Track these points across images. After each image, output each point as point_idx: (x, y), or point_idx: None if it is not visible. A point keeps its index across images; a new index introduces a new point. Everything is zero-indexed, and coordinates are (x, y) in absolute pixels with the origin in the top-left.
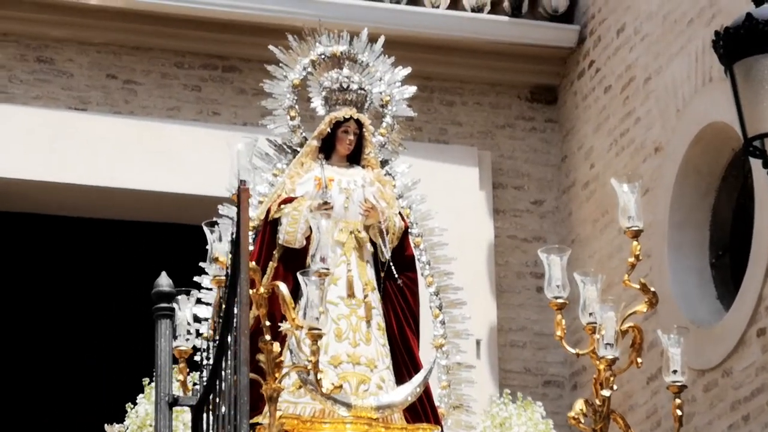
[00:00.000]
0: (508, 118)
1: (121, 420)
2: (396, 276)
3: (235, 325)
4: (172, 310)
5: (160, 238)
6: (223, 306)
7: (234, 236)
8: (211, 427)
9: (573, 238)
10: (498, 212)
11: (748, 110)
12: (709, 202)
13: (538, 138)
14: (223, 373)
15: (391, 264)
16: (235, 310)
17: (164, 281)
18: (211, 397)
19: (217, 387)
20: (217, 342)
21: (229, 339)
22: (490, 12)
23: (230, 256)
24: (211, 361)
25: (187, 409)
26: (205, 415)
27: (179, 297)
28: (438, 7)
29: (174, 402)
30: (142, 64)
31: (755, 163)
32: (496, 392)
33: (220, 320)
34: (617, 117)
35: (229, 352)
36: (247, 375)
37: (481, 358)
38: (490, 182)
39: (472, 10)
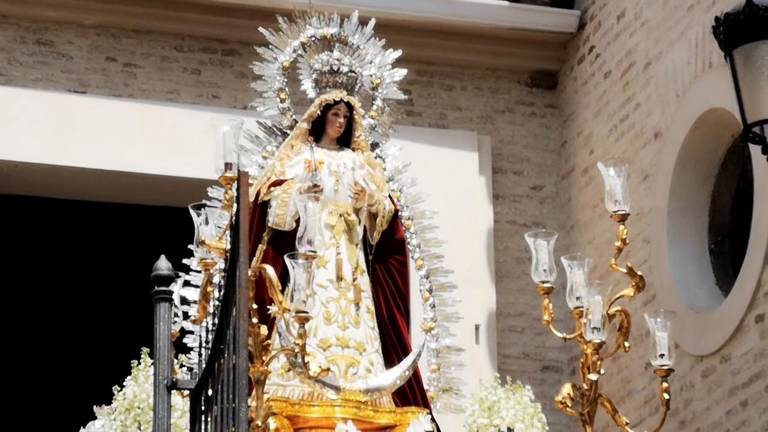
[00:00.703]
0: (508, 103)
1: (110, 402)
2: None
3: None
4: (171, 293)
5: (157, 221)
6: (219, 288)
7: (233, 220)
8: (208, 410)
9: (572, 223)
10: (497, 197)
11: (748, 96)
12: (709, 188)
13: (538, 123)
14: (221, 357)
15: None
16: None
17: (163, 265)
18: (209, 380)
19: (216, 370)
20: (216, 325)
21: (227, 323)
22: None
23: (229, 239)
24: (209, 345)
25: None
26: (202, 398)
27: None
28: None
29: (173, 385)
30: (142, 47)
31: (755, 150)
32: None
33: (214, 303)
34: (617, 102)
35: (228, 336)
36: (246, 358)
37: (480, 343)
38: (489, 167)
39: None
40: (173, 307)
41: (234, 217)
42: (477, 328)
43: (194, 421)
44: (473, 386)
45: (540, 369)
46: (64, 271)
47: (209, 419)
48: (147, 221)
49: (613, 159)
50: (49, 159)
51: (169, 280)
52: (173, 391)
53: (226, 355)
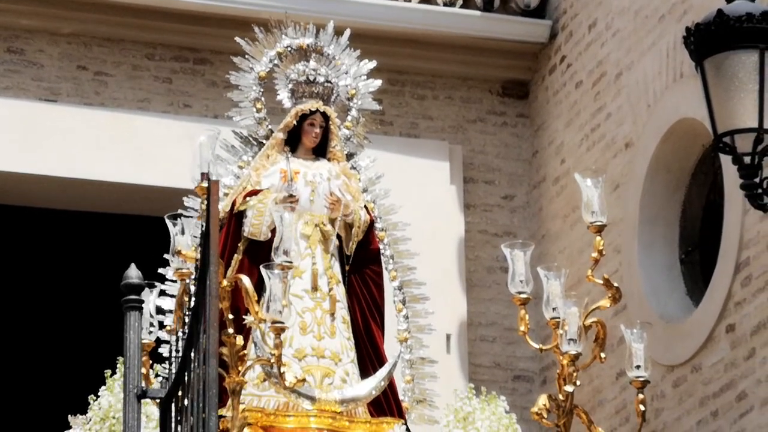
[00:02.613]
0: (480, 112)
1: (85, 412)
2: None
3: (204, 317)
4: (142, 302)
5: (129, 230)
6: (193, 298)
7: (203, 229)
8: (179, 420)
9: (543, 233)
10: (469, 207)
11: (719, 106)
12: (679, 198)
13: (509, 133)
14: (192, 365)
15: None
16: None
17: (133, 273)
18: (179, 389)
19: (186, 380)
20: (186, 334)
21: (198, 331)
22: (462, 6)
23: (200, 248)
24: (179, 354)
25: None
26: (173, 407)
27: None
28: (410, 0)
29: (143, 394)
30: (113, 56)
31: (725, 160)
32: (465, 386)
33: (187, 313)
34: (588, 112)
35: (198, 345)
36: (215, 368)
37: (451, 353)
38: (461, 177)
39: (444, 4)
40: (148, 315)
41: (204, 225)
42: (448, 337)
43: (164, 430)
44: (447, 396)
45: (511, 378)
46: (40, 280)
47: (180, 429)
48: (119, 230)
49: (590, 170)
50: (19, 167)
51: (139, 288)
52: (149, 402)
53: (196, 364)
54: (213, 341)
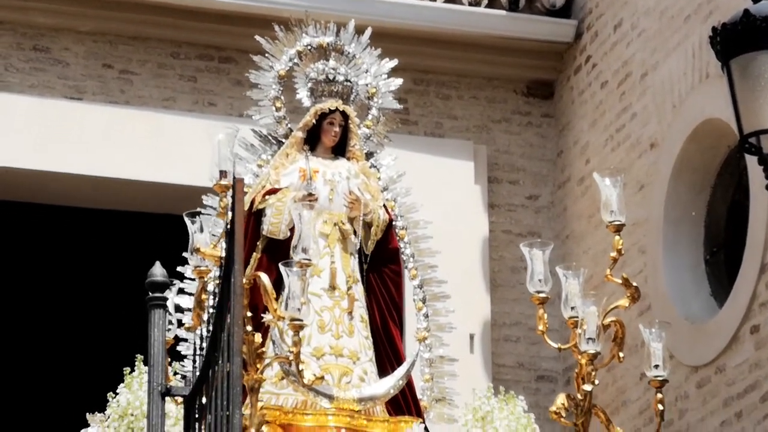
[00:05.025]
0: (505, 112)
1: (103, 409)
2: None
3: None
4: (166, 299)
5: (153, 229)
6: (214, 296)
7: (228, 227)
8: (202, 417)
9: (567, 233)
10: (493, 207)
11: (744, 107)
12: (704, 198)
13: (534, 133)
14: (216, 364)
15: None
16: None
17: (158, 271)
18: (203, 387)
19: (210, 377)
20: (210, 332)
21: (222, 329)
22: (488, 6)
23: (224, 246)
24: (203, 352)
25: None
26: (197, 405)
27: None
28: (436, 0)
29: (167, 392)
30: (139, 54)
31: (751, 160)
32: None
33: (208, 310)
34: (613, 112)
35: (221, 343)
36: (240, 365)
37: (475, 353)
38: (485, 176)
39: (470, 4)
40: (167, 314)
41: (229, 224)
42: (471, 337)
43: (188, 428)
44: (467, 396)
45: (534, 379)
46: (59, 278)
47: (203, 427)
48: (141, 228)
49: (609, 169)
50: (45, 166)
51: (163, 286)
52: (167, 399)
53: (220, 362)
54: (237, 339)
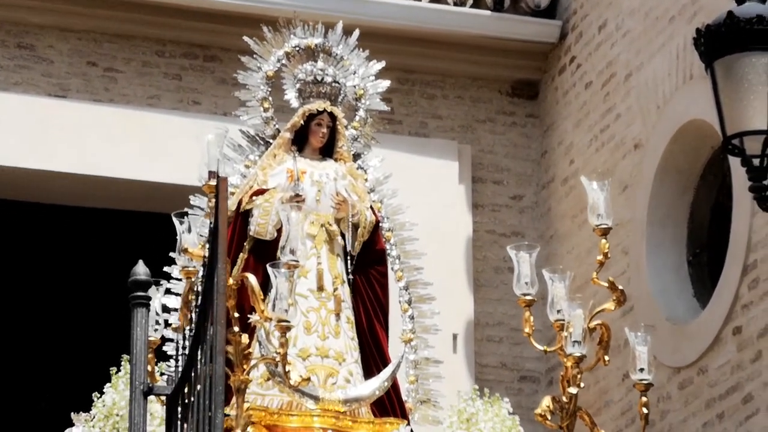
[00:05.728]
0: (489, 112)
1: (88, 409)
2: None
3: (211, 314)
4: (149, 298)
5: (137, 227)
6: (200, 295)
7: (212, 226)
8: (185, 417)
9: (551, 233)
10: (477, 207)
11: (728, 108)
12: (688, 199)
13: (519, 133)
14: (198, 363)
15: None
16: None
17: (141, 270)
18: (186, 387)
19: (192, 377)
20: (193, 332)
21: (205, 328)
22: (473, 6)
23: (208, 245)
24: (186, 351)
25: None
26: (179, 404)
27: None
28: (421, 0)
29: (149, 391)
30: (123, 52)
31: (734, 162)
32: (471, 387)
33: (194, 310)
34: (597, 113)
35: (204, 342)
36: (222, 365)
37: (458, 353)
38: (469, 176)
39: (455, 4)
40: (154, 313)
41: (213, 223)
42: (455, 337)
43: (170, 427)
44: (451, 397)
45: (517, 379)
46: (44, 277)
47: (186, 426)
48: (126, 226)
49: (596, 173)
50: (28, 163)
51: (146, 285)
52: (154, 399)
53: (203, 361)
54: (220, 338)
